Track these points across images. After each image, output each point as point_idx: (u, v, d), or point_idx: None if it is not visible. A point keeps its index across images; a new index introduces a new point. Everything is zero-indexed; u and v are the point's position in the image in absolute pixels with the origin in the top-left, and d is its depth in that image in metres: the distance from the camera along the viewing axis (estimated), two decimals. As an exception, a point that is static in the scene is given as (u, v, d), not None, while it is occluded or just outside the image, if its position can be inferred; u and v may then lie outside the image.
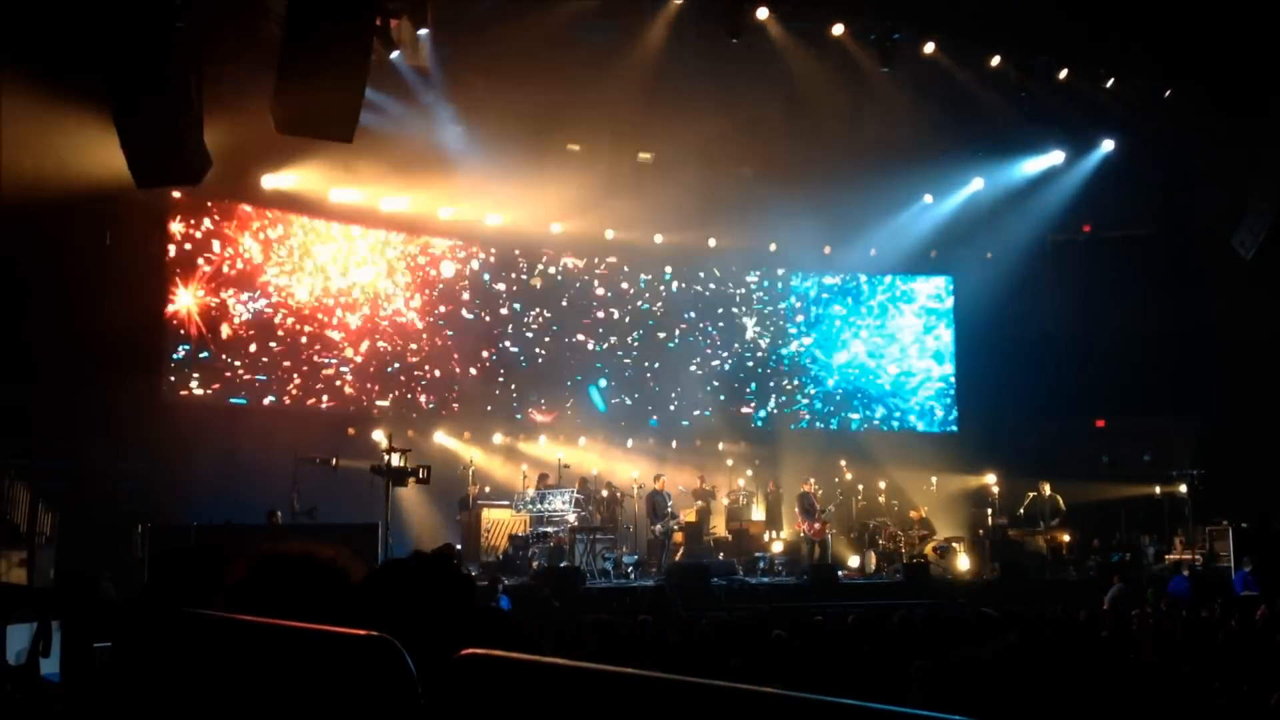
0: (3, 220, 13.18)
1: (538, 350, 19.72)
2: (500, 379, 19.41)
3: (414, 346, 18.62)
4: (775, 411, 21.44)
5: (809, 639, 9.14)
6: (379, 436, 14.22)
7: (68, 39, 12.49)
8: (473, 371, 19.14)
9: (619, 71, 15.93)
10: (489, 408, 19.17)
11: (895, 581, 16.33)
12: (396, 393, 18.39)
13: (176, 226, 16.45)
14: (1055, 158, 19.41)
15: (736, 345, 21.28)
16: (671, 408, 20.54)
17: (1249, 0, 14.74)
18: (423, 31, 14.83)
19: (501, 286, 19.58)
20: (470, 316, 19.22)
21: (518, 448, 18.95)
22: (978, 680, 1.15)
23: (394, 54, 14.88)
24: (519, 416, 19.42)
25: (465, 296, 19.20)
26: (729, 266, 21.31)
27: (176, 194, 15.92)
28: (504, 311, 19.55)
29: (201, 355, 16.61)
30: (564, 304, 20.03)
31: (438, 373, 18.84)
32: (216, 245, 16.82)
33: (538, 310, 19.81)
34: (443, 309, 18.95)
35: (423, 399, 18.66)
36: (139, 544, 13.45)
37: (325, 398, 17.68)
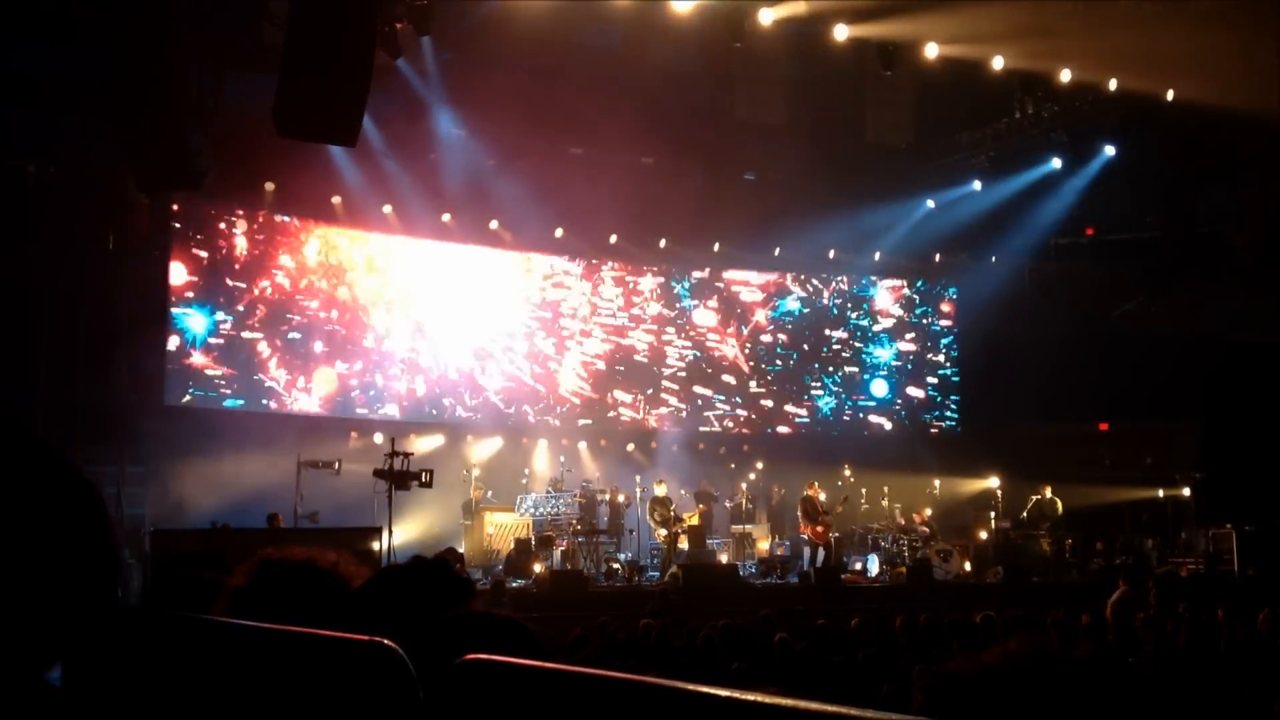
0: (7, 225, 13.23)
1: (538, 356, 19.73)
2: (497, 381, 19.42)
3: (417, 349, 18.64)
4: (779, 414, 21.43)
5: (812, 643, 9.13)
6: (381, 440, 14.24)
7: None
8: (471, 375, 19.16)
9: (622, 75, 15.96)
10: (494, 411, 19.18)
11: (898, 585, 16.31)
12: (402, 395, 18.41)
13: (178, 229, 16.47)
14: (1057, 161, 19.40)
15: (738, 350, 21.26)
16: (675, 410, 20.54)
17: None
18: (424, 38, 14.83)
19: (504, 289, 19.58)
20: (472, 319, 19.23)
21: (521, 451, 18.94)
22: (981, 686, 1.15)
23: (398, 60, 14.86)
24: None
25: (468, 299, 19.20)
26: (731, 270, 21.31)
27: (177, 199, 15.93)
28: (503, 315, 19.55)
29: (204, 358, 16.63)
30: (564, 307, 20.04)
31: (440, 375, 18.86)
32: (220, 247, 16.85)
33: (536, 314, 19.82)
34: (444, 311, 18.95)
35: (425, 403, 18.68)
36: (143, 548, 13.46)
37: (324, 398, 17.70)
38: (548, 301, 19.93)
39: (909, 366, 22.25)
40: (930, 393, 22.28)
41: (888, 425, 21.97)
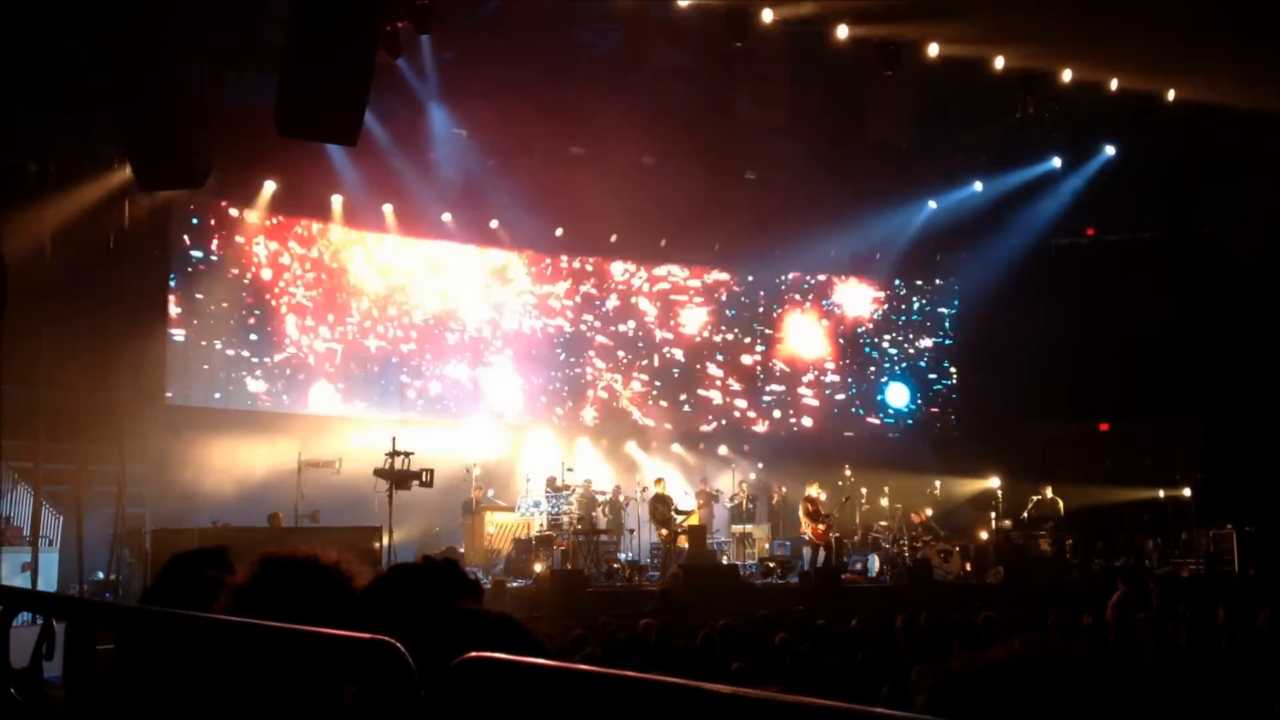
0: (7, 224, 13.22)
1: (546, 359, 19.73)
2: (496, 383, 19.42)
3: (418, 347, 18.64)
4: (779, 414, 21.42)
5: (812, 643, 9.13)
6: (382, 440, 14.24)
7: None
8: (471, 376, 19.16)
9: (623, 75, 15.95)
10: (493, 411, 19.18)
11: (899, 585, 16.30)
12: (401, 394, 18.42)
13: (180, 228, 16.48)
14: (1057, 161, 19.40)
15: (739, 349, 21.25)
16: (676, 410, 20.54)
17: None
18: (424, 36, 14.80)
19: (503, 292, 19.58)
20: (467, 321, 19.23)
21: (522, 450, 18.93)
22: (985, 685, 1.15)
23: (398, 59, 14.83)
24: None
25: (468, 298, 19.20)
26: (733, 270, 21.30)
27: (178, 199, 15.91)
28: (502, 313, 19.55)
29: (205, 357, 16.64)
30: (561, 307, 20.04)
31: (440, 374, 18.86)
32: (220, 247, 16.86)
33: (536, 314, 19.82)
34: (443, 310, 18.96)
35: (425, 402, 18.67)
36: (143, 547, 13.46)
37: (324, 397, 17.71)
38: (547, 299, 19.92)
39: (909, 365, 22.25)
40: (931, 392, 22.27)
41: (887, 425, 21.96)
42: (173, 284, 16.36)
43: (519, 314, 19.64)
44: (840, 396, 21.85)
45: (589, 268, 20.30)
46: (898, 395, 22.15)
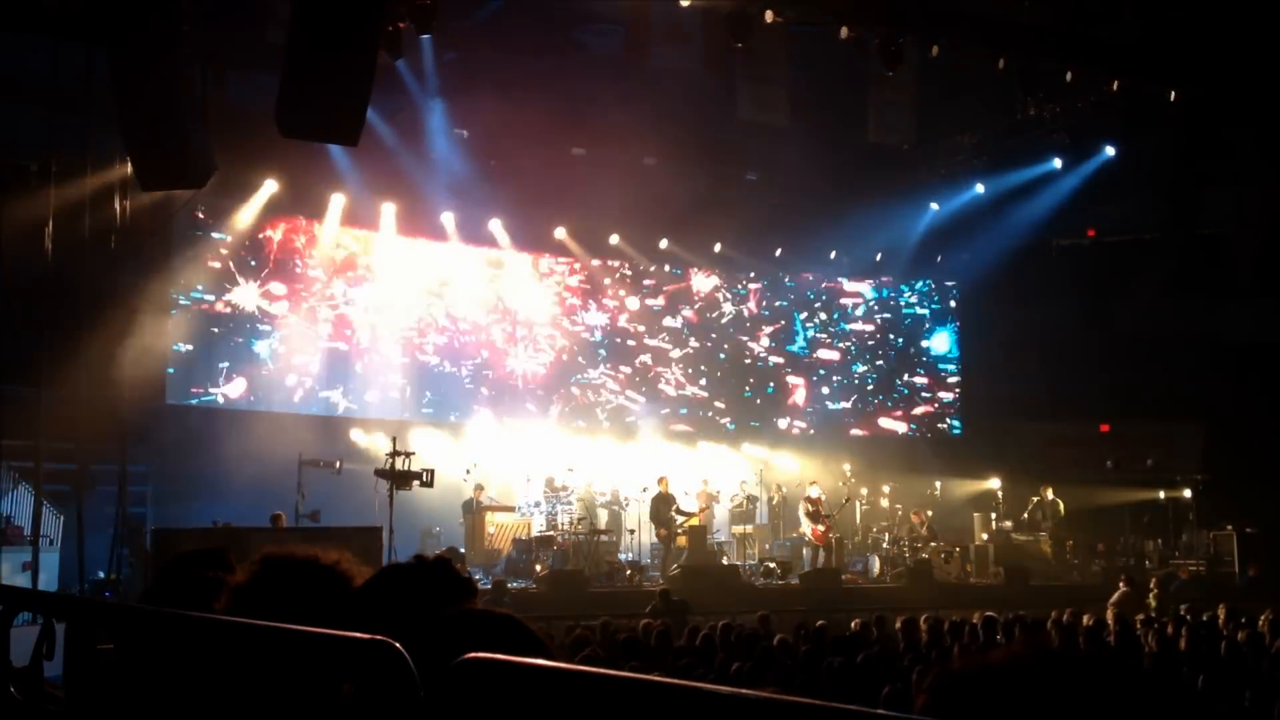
0: (8, 223, 13.23)
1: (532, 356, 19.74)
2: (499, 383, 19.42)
3: (419, 347, 18.64)
4: (779, 414, 21.42)
5: (813, 644, 9.14)
6: (383, 440, 14.25)
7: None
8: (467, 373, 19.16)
9: (624, 75, 15.96)
10: (497, 410, 19.18)
11: (899, 586, 16.31)
12: (402, 394, 18.42)
13: (181, 228, 16.49)
14: (1057, 161, 19.39)
15: (740, 349, 21.26)
16: (675, 410, 20.54)
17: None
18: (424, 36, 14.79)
19: (504, 287, 19.59)
20: (471, 317, 19.23)
21: (521, 450, 18.92)
22: (985, 685, 1.15)
23: (399, 60, 14.83)
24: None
25: (467, 298, 19.21)
26: (733, 270, 21.31)
27: (180, 198, 15.92)
28: (503, 313, 19.56)
29: (206, 357, 16.64)
30: (563, 306, 20.04)
31: (442, 374, 18.86)
32: (221, 246, 16.86)
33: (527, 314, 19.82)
34: (444, 310, 18.97)
35: (426, 401, 18.68)
36: (144, 547, 13.47)
37: (323, 397, 17.71)
38: (549, 299, 19.91)
39: (909, 366, 22.25)
40: (931, 392, 22.28)
41: (888, 426, 21.95)
42: (173, 282, 16.35)
43: (519, 313, 19.63)
44: (838, 402, 21.85)
45: (587, 265, 20.30)
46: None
